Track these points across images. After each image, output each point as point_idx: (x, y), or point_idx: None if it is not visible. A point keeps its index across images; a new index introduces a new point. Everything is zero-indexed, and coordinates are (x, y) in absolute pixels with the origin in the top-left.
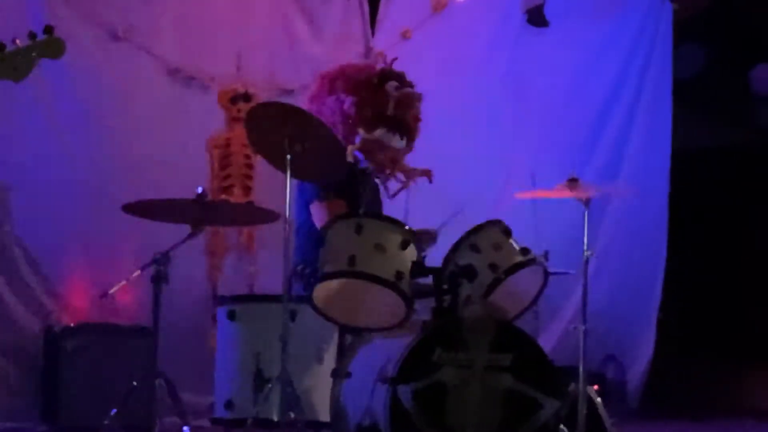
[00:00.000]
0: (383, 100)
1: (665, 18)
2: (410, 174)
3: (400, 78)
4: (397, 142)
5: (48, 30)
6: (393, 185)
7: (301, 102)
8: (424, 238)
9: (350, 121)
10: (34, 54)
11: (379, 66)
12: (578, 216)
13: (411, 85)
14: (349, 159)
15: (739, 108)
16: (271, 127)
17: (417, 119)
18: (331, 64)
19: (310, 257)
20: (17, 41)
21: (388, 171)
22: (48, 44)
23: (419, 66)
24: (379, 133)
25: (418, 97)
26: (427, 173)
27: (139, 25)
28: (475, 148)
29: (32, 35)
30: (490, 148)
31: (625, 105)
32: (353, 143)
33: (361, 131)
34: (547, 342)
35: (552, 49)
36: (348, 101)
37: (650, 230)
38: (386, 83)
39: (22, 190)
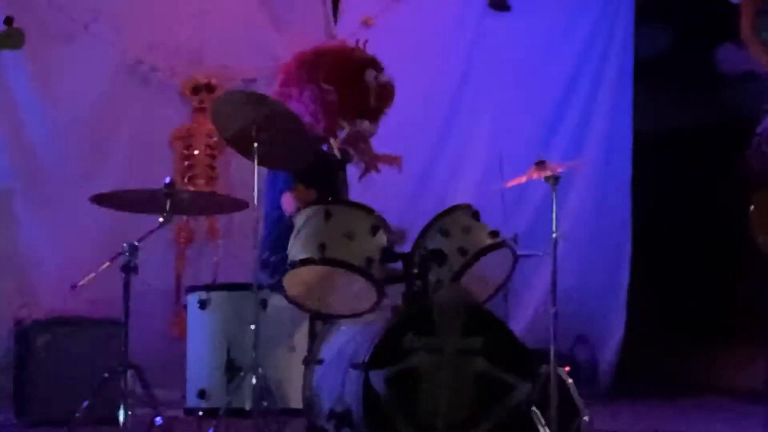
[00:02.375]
0: (365, 92)
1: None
2: (380, 159)
3: (375, 64)
4: (373, 130)
5: (8, 21)
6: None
7: (264, 91)
8: (393, 237)
9: (332, 112)
10: None
11: (356, 51)
12: (546, 198)
13: (383, 69)
14: (336, 153)
15: (702, 88)
16: (238, 115)
17: (390, 105)
18: (292, 53)
19: (277, 246)
20: None
21: (365, 158)
22: (8, 35)
23: (382, 52)
24: (361, 124)
25: (393, 85)
26: (396, 161)
27: (100, 16)
28: (440, 133)
29: None
30: (455, 132)
31: (587, 86)
32: (334, 134)
33: (343, 123)
34: (517, 324)
35: (513, 33)
36: (330, 92)
37: (615, 211)
38: (365, 72)
39: None
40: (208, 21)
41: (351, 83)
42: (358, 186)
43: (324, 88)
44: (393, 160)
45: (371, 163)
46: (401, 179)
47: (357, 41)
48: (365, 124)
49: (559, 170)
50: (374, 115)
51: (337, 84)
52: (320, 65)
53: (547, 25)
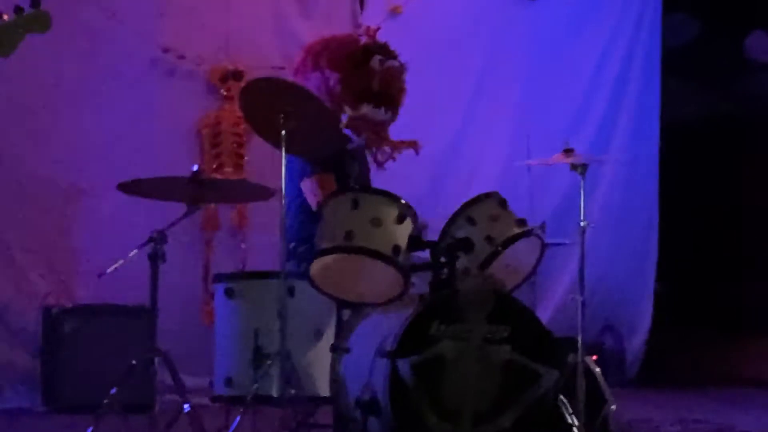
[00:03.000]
0: (368, 77)
1: None
2: (397, 146)
3: (384, 50)
4: (383, 116)
5: (35, 3)
6: (381, 157)
7: (291, 79)
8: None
9: (336, 97)
10: (20, 28)
11: (363, 38)
12: (573, 186)
13: (395, 56)
14: None
15: (731, 76)
16: (266, 103)
17: (401, 91)
18: None
19: (302, 235)
20: (4, 16)
21: (374, 145)
22: (35, 18)
23: (409, 41)
24: (364, 109)
25: (402, 70)
26: (414, 144)
27: (128, 6)
28: (468, 121)
29: (18, 9)
30: (483, 121)
31: (614, 75)
32: (340, 121)
33: (346, 108)
34: (543, 313)
35: (540, 21)
36: (333, 78)
37: (642, 200)
38: (371, 58)
39: (17, 173)
40: (236, 9)
41: (353, 68)
42: (383, 171)
43: (327, 74)
44: (410, 145)
45: (383, 151)
46: (424, 166)
47: (368, 28)
48: (370, 110)
49: (586, 161)
50: (380, 100)
51: (340, 69)
52: (324, 52)
53: (573, 14)
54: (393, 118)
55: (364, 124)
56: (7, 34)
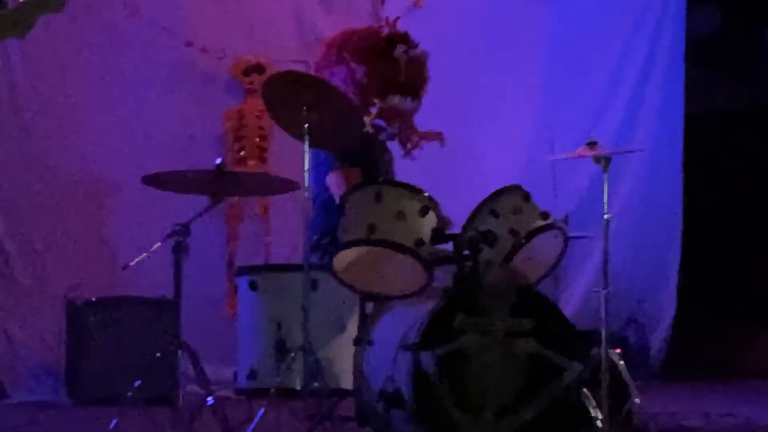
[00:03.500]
0: (394, 67)
1: None
2: (424, 136)
3: (406, 39)
4: (410, 105)
5: None
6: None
7: (313, 72)
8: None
9: (364, 90)
10: (35, 9)
11: (384, 28)
12: (596, 179)
13: (417, 45)
14: (369, 129)
15: (755, 68)
16: (288, 96)
17: (426, 79)
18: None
19: (327, 228)
20: None
21: (403, 135)
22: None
23: (429, 35)
24: (393, 99)
25: (425, 58)
26: (439, 136)
27: (151, 1)
28: (490, 113)
29: None
30: (505, 112)
31: (638, 67)
32: (368, 113)
33: (375, 100)
34: (566, 306)
35: (562, 14)
36: (359, 70)
37: (666, 192)
38: (394, 48)
39: (41, 167)
40: (257, 3)
41: (379, 59)
42: (405, 164)
43: (352, 67)
44: (435, 136)
45: (411, 140)
46: (444, 159)
47: (387, 18)
48: (399, 100)
49: (610, 154)
50: (407, 89)
51: (366, 61)
52: (348, 45)
53: (596, 6)
54: (418, 108)
55: (393, 114)
56: (22, 15)
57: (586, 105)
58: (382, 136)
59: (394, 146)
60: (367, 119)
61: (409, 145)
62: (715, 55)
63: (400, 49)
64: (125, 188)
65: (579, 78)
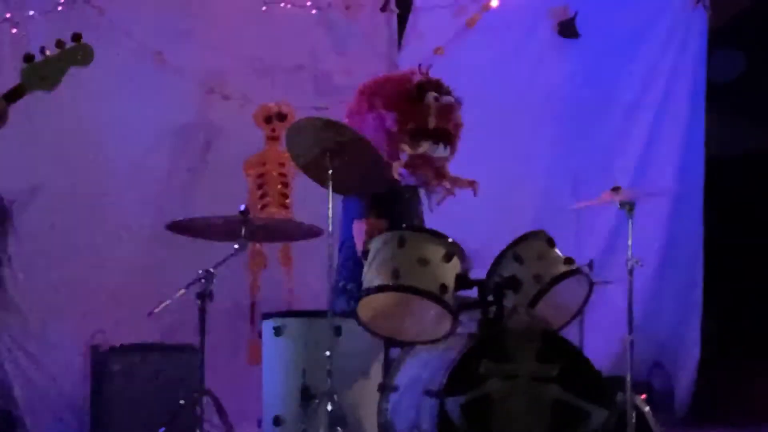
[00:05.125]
0: (424, 114)
1: (698, 23)
2: (456, 183)
3: (438, 87)
4: (441, 152)
5: (76, 38)
6: (438, 195)
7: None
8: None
9: (394, 137)
10: (63, 62)
11: (417, 76)
12: (617, 224)
13: (449, 92)
14: (396, 176)
15: None
16: (312, 142)
17: (458, 126)
18: (356, 81)
19: (354, 274)
20: (46, 51)
21: (435, 182)
22: (77, 51)
23: (449, 81)
24: (424, 146)
25: (457, 106)
26: (473, 185)
27: (170, 45)
28: (512, 159)
29: (60, 43)
30: (527, 158)
31: (652, 111)
32: (398, 159)
33: (405, 147)
34: (589, 351)
35: (581, 58)
36: (389, 118)
37: (687, 236)
38: (425, 95)
39: (63, 210)
40: (277, 49)
41: (408, 106)
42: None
43: (382, 114)
44: (468, 184)
45: (443, 187)
46: (466, 202)
47: (419, 66)
48: (429, 147)
49: (634, 200)
50: (437, 136)
51: (395, 108)
52: (379, 93)
53: (615, 49)
54: (451, 155)
55: (423, 162)
56: (50, 68)
57: (602, 148)
58: (404, 182)
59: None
60: (395, 165)
61: (439, 195)
62: (736, 99)
63: (430, 96)
64: (149, 235)
65: (597, 121)
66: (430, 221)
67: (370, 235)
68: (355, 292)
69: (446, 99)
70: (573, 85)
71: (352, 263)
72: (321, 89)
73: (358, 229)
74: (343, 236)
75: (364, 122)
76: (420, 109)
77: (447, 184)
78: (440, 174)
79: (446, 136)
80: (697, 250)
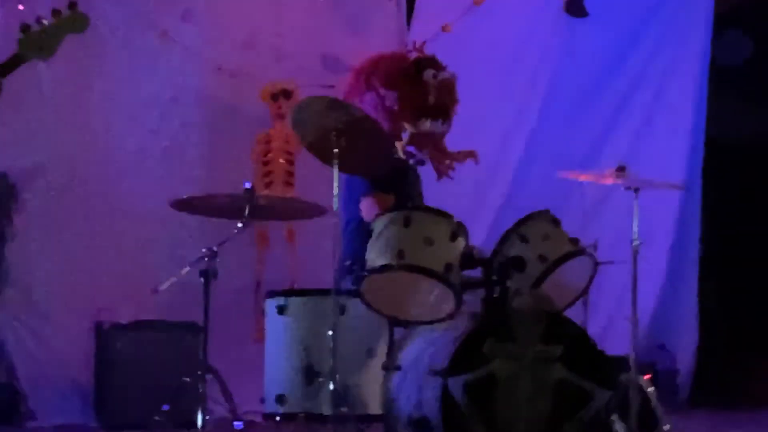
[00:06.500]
0: (424, 91)
1: (704, 6)
2: (456, 157)
3: (434, 63)
4: (441, 128)
5: (72, 6)
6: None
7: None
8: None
9: (395, 116)
10: (59, 31)
11: (412, 53)
12: (623, 205)
13: (444, 68)
14: (401, 155)
15: None
16: (317, 121)
17: (455, 101)
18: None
19: (360, 253)
20: (43, 20)
21: (436, 158)
22: (72, 20)
23: (455, 59)
24: (425, 123)
25: (454, 80)
26: (473, 155)
27: (180, 26)
28: (518, 137)
29: (56, 12)
30: (533, 136)
31: (649, 94)
32: (399, 138)
33: (407, 125)
34: (595, 332)
35: (586, 37)
36: (389, 97)
37: (685, 219)
38: (423, 72)
39: (68, 188)
40: (282, 29)
41: (408, 84)
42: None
43: (382, 93)
44: (468, 155)
45: (443, 163)
46: (468, 183)
47: (414, 43)
48: (429, 124)
49: (642, 180)
50: (437, 113)
51: (395, 87)
52: (376, 72)
53: (622, 29)
54: (448, 130)
55: (425, 139)
56: (47, 37)
57: (605, 126)
58: (412, 162)
59: (426, 170)
60: (398, 145)
61: (442, 168)
62: (740, 82)
63: (428, 73)
64: (154, 212)
65: (599, 100)
66: (432, 200)
67: (382, 209)
68: (360, 271)
69: (444, 75)
70: (579, 64)
71: (357, 243)
72: (329, 68)
73: (367, 205)
74: (347, 216)
75: (363, 102)
76: (419, 86)
77: (447, 160)
78: (439, 149)
79: (445, 112)
80: (693, 234)
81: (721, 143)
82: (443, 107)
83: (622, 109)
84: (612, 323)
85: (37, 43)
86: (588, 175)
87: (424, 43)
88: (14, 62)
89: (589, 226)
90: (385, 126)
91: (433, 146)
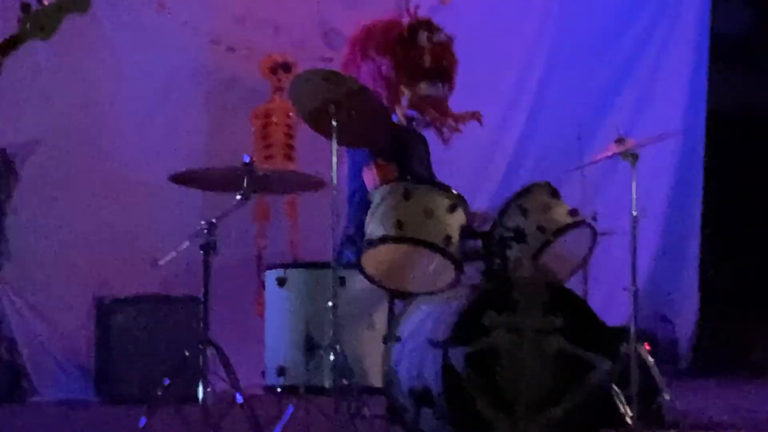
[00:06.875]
0: (419, 54)
1: None
2: (460, 118)
3: (429, 26)
4: (441, 91)
5: None
6: (445, 134)
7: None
8: (478, 219)
9: (391, 82)
10: (60, 11)
11: (405, 18)
12: (622, 175)
13: (440, 29)
14: (402, 120)
15: None
16: (316, 94)
17: (454, 62)
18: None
19: (363, 224)
20: (44, 0)
21: (439, 122)
22: (74, 0)
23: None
24: (423, 87)
25: (450, 41)
26: (477, 116)
27: None
28: (511, 109)
29: None
30: (526, 109)
31: (649, 61)
32: (399, 104)
33: (404, 90)
34: (595, 303)
35: (585, 4)
36: (385, 63)
37: (687, 189)
38: (417, 35)
39: (68, 162)
40: (279, 2)
41: (403, 49)
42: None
43: (378, 61)
44: (472, 116)
45: (447, 124)
46: (468, 154)
47: (407, 9)
48: (428, 87)
49: (639, 148)
50: (435, 75)
51: (390, 53)
52: (370, 40)
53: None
54: (451, 91)
55: (424, 102)
56: (47, 17)
57: (602, 97)
58: (416, 126)
59: (431, 135)
60: (398, 110)
61: (447, 133)
62: (740, 51)
63: (422, 35)
64: (153, 186)
65: (599, 70)
66: (436, 169)
67: (382, 178)
68: (361, 242)
69: (439, 36)
70: (578, 32)
71: (360, 214)
72: (328, 41)
73: (369, 174)
74: (353, 187)
75: (360, 72)
76: (414, 50)
77: (451, 122)
78: (442, 112)
79: (443, 74)
80: (695, 203)
81: (723, 112)
82: (441, 69)
83: (621, 77)
84: (612, 295)
85: (38, 23)
86: (589, 159)
87: (418, 7)
88: (14, 42)
89: (588, 197)
90: (384, 94)
91: (434, 109)
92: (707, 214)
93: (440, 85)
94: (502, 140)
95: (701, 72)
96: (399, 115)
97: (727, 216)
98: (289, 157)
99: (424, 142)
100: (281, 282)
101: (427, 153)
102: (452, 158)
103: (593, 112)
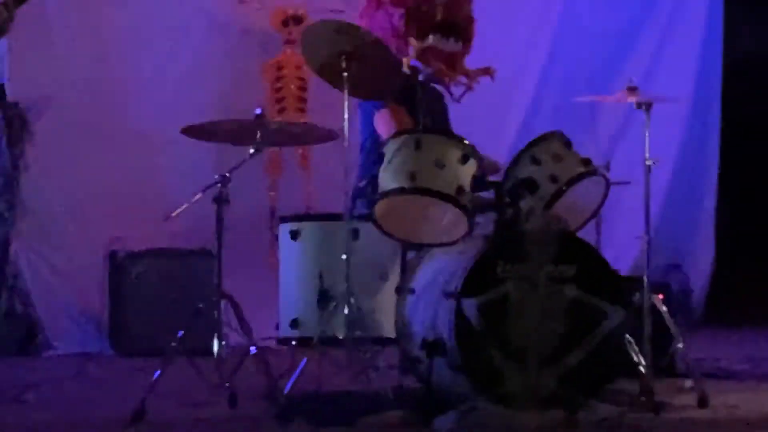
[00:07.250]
0: (431, 7)
1: None
2: (472, 75)
3: None
4: (452, 46)
5: None
6: (457, 90)
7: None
8: (487, 168)
9: (400, 33)
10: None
11: None
12: (635, 124)
13: None
14: (406, 70)
15: None
16: (327, 46)
17: (470, 20)
18: None
19: (375, 176)
20: None
21: (447, 77)
22: None
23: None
24: (431, 39)
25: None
26: (489, 71)
27: None
28: (524, 63)
29: None
30: (540, 61)
31: (665, 15)
32: (407, 55)
33: (412, 41)
34: (606, 252)
35: None
36: (397, 14)
37: (703, 137)
38: None
39: (81, 116)
40: None
41: (416, 1)
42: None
43: (390, 11)
44: (484, 72)
45: (455, 80)
46: (482, 106)
47: None
48: (436, 40)
49: (652, 97)
50: (446, 30)
51: (402, 4)
52: None
53: None
54: (466, 49)
55: (432, 55)
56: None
57: (616, 47)
58: (420, 78)
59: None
60: (404, 60)
61: (456, 91)
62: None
63: None
64: (166, 140)
65: (613, 13)
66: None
67: (396, 121)
68: (373, 193)
69: None
70: None
71: (372, 163)
72: None
73: (381, 118)
74: (361, 138)
75: (374, 21)
76: (427, 3)
77: (463, 78)
78: (453, 67)
79: (455, 29)
80: (712, 152)
81: (740, 59)
82: (453, 25)
83: (637, 28)
84: (624, 244)
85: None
86: (601, 97)
87: None
88: None
89: (601, 147)
90: (392, 43)
91: (446, 65)
92: (724, 164)
93: (453, 40)
94: (517, 93)
95: (717, 18)
96: (404, 64)
97: (743, 166)
98: (301, 110)
99: (439, 97)
100: (294, 235)
101: (444, 107)
102: (466, 113)
103: (607, 63)
